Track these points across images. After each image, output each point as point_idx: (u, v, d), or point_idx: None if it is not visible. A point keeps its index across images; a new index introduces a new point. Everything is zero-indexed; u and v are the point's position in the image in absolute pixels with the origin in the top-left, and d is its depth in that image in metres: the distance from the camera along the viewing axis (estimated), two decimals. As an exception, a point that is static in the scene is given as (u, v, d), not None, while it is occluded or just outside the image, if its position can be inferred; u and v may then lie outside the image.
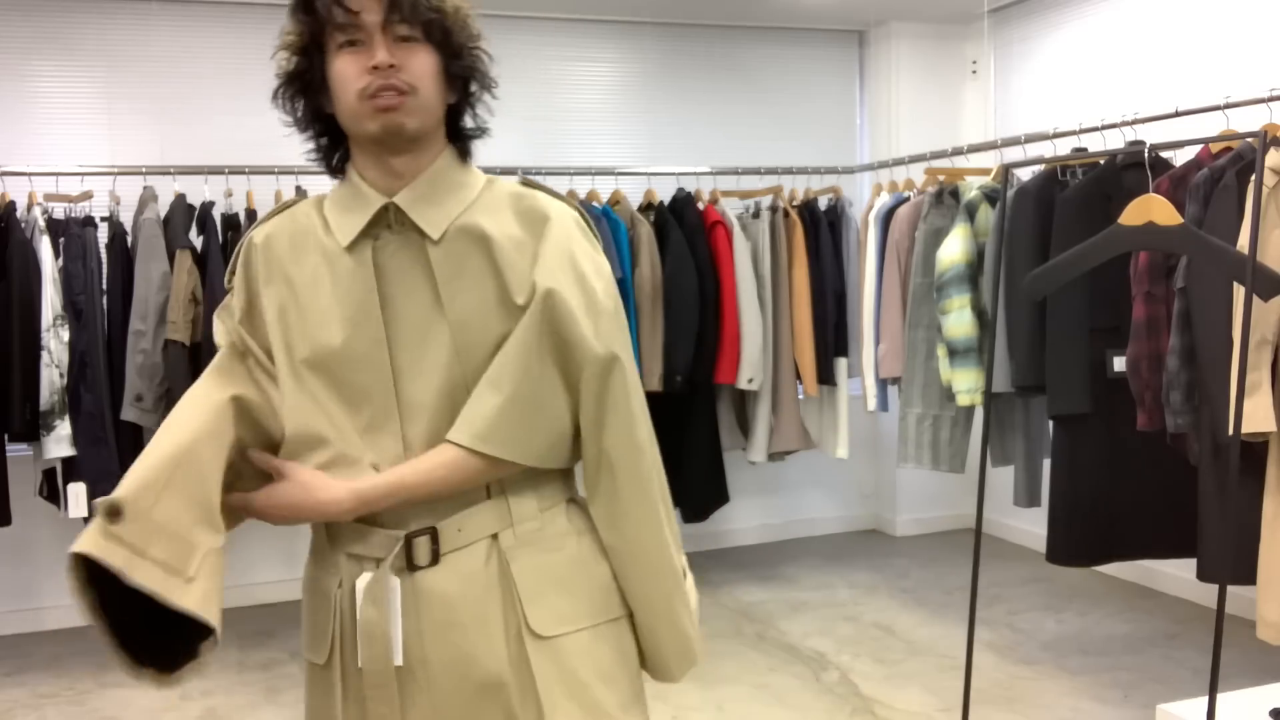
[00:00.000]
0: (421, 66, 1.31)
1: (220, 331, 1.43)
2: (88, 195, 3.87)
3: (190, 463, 1.29)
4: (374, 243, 1.36)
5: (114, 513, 1.22)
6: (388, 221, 1.37)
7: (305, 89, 1.37)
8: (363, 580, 1.34)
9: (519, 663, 1.34)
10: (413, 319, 1.34)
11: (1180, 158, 3.29)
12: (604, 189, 4.48)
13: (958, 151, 4.20)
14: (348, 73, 1.30)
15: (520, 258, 1.34)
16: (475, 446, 1.30)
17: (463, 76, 1.37)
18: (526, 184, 1.44)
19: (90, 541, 1.21)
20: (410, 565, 1.34)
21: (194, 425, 1.33)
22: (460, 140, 1.42)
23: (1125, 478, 3.24)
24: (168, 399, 3.77)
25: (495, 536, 1.35)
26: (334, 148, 1.42)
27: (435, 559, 1.34)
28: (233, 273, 1.44)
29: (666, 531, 1.40)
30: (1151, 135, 3.63)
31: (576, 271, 1.35)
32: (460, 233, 1.35)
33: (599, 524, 1.39)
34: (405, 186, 1.36)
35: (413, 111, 1.31)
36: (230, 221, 3.93)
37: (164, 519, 1.25)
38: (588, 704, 1.35)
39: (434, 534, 1.34)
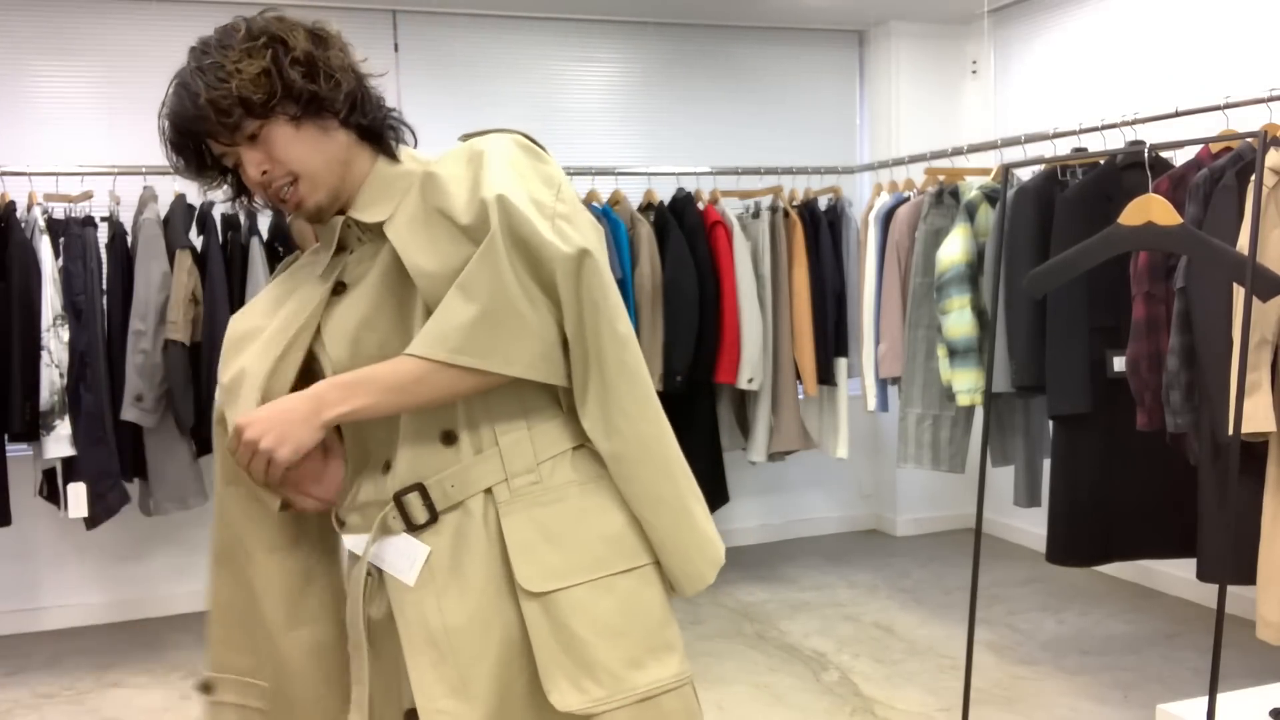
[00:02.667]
0: (286, 150, 1.31)
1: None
2: (88, 195, 3.87)
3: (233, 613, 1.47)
4: (347, 259, 1.40)
5: (206, 689, 1.47)
6: (359, 234, 1.40)
7: (200, 167, 1.41)
8: (368, 539, 1.37)
9: (519, 617, 1.34)
10: (389, 304, 1.36)
11: (1180, 158, 3.29)
12: (604, 189, 4.48)
13: (958, 151, 4.20)
14: (251, 185, 1.35)
15: (462, 187, 1.32)
16: (451, 360, 1.25)
17: (320, 109, 1.32)
18: (465, 138, 1.43)
19: (205, 714, 1.49)
20: (410, 526, 1.34)
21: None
22: (373, 140, 1.39)
23: (1125, 478, 3.24)
24: (168, 399, 3.77)
25: (489, 491, 1.34)
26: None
27: (433, 516, 1.34)
28: None
29: (666, 424, 1.38)
30: (1151, 135, 3.63)
31: (523, 180, 1.31)
32: (407, 203, 1.36)
33: (595, 433, 1.33)
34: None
35: (312, 190, 1.34)
36: (230, 221, 3.93)
37: (243, 669, 1.48)
38: (585, 662, 1.31)
39: (423, 490, 1.33)
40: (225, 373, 1.42)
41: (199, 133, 1.31)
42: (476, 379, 1.28)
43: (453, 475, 1.33)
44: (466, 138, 1.41)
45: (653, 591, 1.37)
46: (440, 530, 1.34)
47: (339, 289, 1.39)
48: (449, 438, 1.34)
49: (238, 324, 1.47)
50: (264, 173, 1.31)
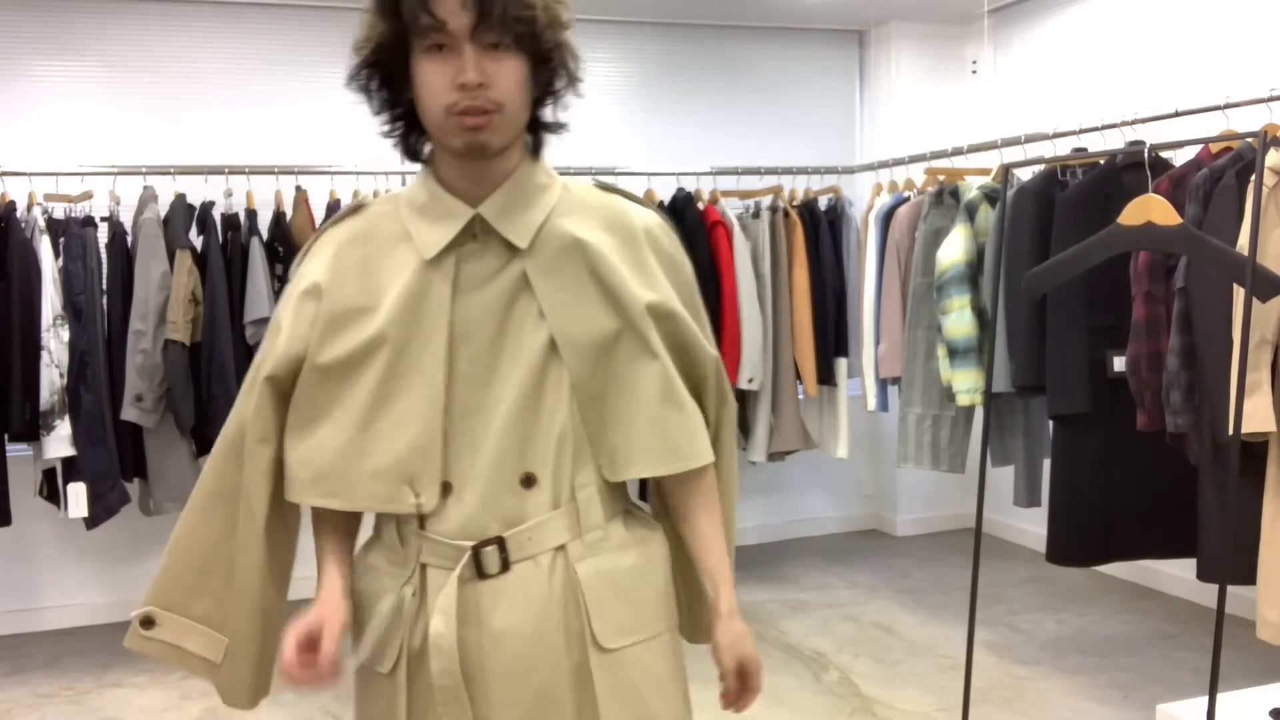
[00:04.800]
0: (509, 80, 1.25)
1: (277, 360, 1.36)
2: (88, 195, 3.87)
3: (221, 558, 1.41)
4: (458, 252, 1.33)
5: (146, 623, 1.41)
6: (473, 231, 1.33)
7: (385, 81, 1.31)
8: (443, 594, 1.31)
9: (579, 675, 1.34)
10: (489, 326, 1.32)
11: (1180, 158, 3.28)
12: (604, 189, 4.48)
13: (958, 151, 4.20)
14: (434, 83, 1.24)
15: (621, 266, 1.34)
16: (707, 462, 1.40)
17: (548, 78, 1.32)
18: (603, 187, 1.42)
19: (131, 642, 1.42)
20: (480, 574, 1.32)
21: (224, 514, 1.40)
22: (537, 136, 1.37)
23: (1125, 478, 3.24)
24: (167, 399, 3.77)
25: (563, 547, 1.34)
26: (410, 134, 1.35)
27: (505, 567, 1.32)
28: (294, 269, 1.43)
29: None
30: (1151, 135, 3.62)
31: (680, 282, 1.41)
32: (551, 238, 1.33)
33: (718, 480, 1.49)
34: (488, 193, 1.32)
35: (499, 129, 1.26)
36: (230, 221, 3.93)
37: (198, 615, 1.42)
38: (644, 717, 1.36)
39: (501, 544, 1.32)
40: (334, 349, 1.32)
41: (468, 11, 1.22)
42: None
43: (530, 530, 1.32)
44: (601, 185, 1.43)
45: (680, 649, 1.47)
46: (506, 579, 1.33)
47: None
48: (529, 480, 1.33)
49: (336, 301, 1.34)
50: (480, 85, 1.22)
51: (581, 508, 1.35)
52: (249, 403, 1.37)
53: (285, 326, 1.36)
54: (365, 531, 1.45)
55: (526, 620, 1.31)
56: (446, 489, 1.32)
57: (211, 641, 1.41)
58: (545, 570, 1.33)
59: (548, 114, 1.36)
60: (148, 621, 1.40)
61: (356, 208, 1.41)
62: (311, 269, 1.37)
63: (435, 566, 1.33)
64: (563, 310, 1.32)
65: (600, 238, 1.35)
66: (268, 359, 1.36)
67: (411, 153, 1.36)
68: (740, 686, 1.41)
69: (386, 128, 1.36)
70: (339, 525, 1.41)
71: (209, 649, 1.41)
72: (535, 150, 1.37)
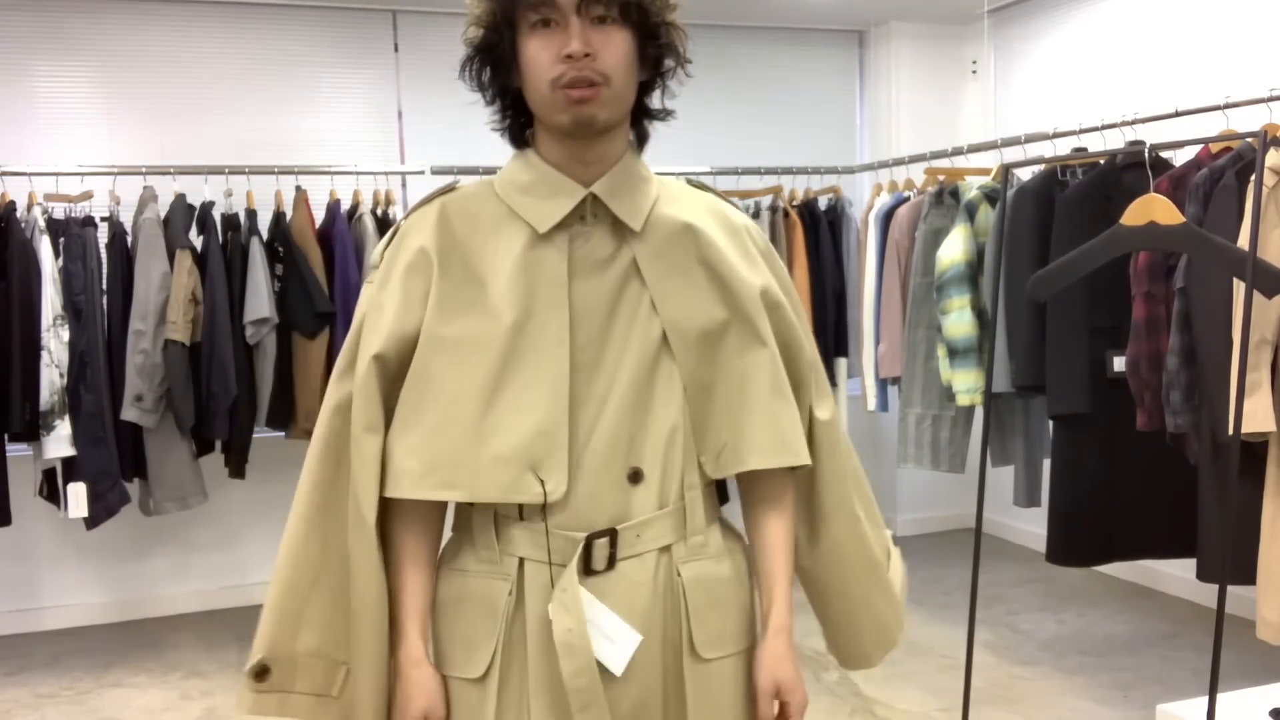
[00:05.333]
0: (617, 53, 1.22)
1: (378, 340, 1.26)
2: (88, 195, 3.87)
3: (324, 578, 1.30)
4: (569, 231, 1.28)
5: (261, 673, 1.30)
6: (582, 212, 1.29)
7: (494, 64, 1.28)
8: (558, 588, 1.24)
9: (671, 684, 1.29)
10: (601, 312, 1.28)
11: (1180, 158, 3.28)
12: (604, 189, 4.48)
13: (958, 151, 4.20)
14: (540, 58, 1.21)
15: (730, 256, 1.32)
16: (807, 460, 1.34)
17: (657, 57, 1.30)
18: (696, 185, 1.42)
19: (243, 700, 1.31)
20: (586, 569, 1.25)
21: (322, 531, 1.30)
22: (641, 124, 1.35)
23: (1125, 478, 3.24)
24: (167, 399, 3.77)
25: (668, 548, 1.29)
26: (518, 122, 1.33)
27: (611, 564, 1.26)
28: (380, 256, 1.32)
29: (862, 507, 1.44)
30: (1151, 135, 3.62)
31: (781, 277, 1.38)
32: (660, 224, 1.30)
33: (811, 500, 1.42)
34: (596, 175, 1.28)
35: (605, 103, 1.23)
36: (230, 221, 3.93)
37: (305, 650, 1.31)
38: None
39: (613, 537, 1.26)
40: (449, 325, 1.25)
41: None
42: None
43: (639, 526, 1.27)
44: (694, 183, 1.42)
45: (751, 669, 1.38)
46: (611, 577, 1.27)
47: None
48: (636, 476, 1.27)
49: (448, 276, 1.28)
50: (587, 55, 1.19)
51: (689, 509, 1.30)
52: (346, 389, 1.28)
53: (394, 303, 1.26)
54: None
55: (632, 621, 1.26)
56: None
57: (323, 672, 1.31)
58: (650, 570, 1.27)
59: (654, 100, 1.34)
60: (262, 670, 1.30)
61: (445, 190, 1.35)
62: (415, 243, 1.28)
63: (534, 561, 1.26)
64: (673, 297, 1.28)
65: (709, 224, 1.33)
66: (373, 337, 1.26)
67: (519, 141, 1.33)
68: (776, 713, 1.33)
69: (497, 117, 1.33)
70: (426, 530, 1.30)
71: (321, 682, 1.31)
72: (641, 142, 1.36)
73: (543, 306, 1.25)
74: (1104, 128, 3.50)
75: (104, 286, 3.80)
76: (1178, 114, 3.27)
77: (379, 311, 1.27)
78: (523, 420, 1.22)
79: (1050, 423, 3.51)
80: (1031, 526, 4.96)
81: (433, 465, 1.22)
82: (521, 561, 1.26)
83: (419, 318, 1.26)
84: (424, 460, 1.22)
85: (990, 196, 3.76)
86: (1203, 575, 2.96)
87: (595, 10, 1.20)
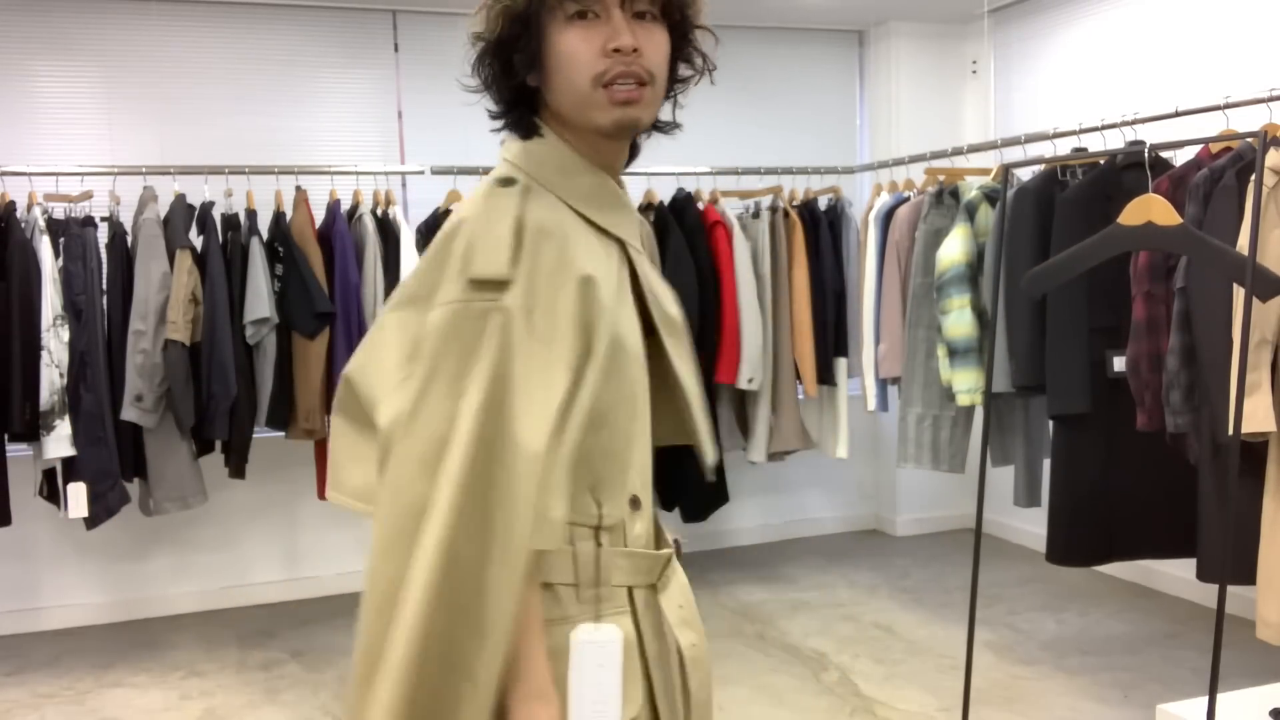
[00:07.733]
0: (659, 52, 1.16)
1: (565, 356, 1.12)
2: (88, 195, 3.87)
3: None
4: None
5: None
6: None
7: (514, 59, 1.18)
8: (676, 602, 1.23)
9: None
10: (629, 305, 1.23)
11: (1180, 158, 3.28)
12: (604, 189, 4.48)
13: (958, 151, 4.20)
14: (579, 53, 1.12)
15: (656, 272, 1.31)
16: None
17: (688, 61, 1.24)
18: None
19: None
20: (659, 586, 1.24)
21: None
22: (653, 129, 1.26)
23: (1125, 478, 3.24)
24: (167, 399, 3.77)
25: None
26: (523, 121, 1.22)
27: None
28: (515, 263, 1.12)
29: None
30: (1151, 135, 3.62)
31: None
32: (645, 241, 1.31)
33: None
34: (616, 180, 1.24)
35: (649, 104, 1.16)
36: (230, 221, 3.93)
37: None
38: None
39: (678, 549, 1.27)
40: (602, 325, 1.15)
41: None
42: None
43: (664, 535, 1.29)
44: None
45: None
46: (671, 591, 1.27)
47: None
48: (635, 503, 1.21)
49: (584, 266, 1.14)
50: (636, 50, 1.12)
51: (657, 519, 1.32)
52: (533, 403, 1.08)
53: (570, 316, 1.11)
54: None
55: (698, 615, 1.28)
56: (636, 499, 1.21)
57: None
58: (686, 581, 1.28)
59: (665, 111, 1.27)
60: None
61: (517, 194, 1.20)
62: (570, 255, 1.14)
63: (624, 585, 1.19)
64: (672, 306, 1.29)
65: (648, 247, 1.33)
66: (565, 346, 1.11)
67: (529, 132, 1.23)
68: None
69: (501, 107, 1.23)
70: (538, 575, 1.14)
71: None
72: (632, 154, 1.28)
73: (633, 323, 1.20)
74: (1104, 128, 3.50)
75: (104, 286, 3.80)
76: (1178, 114, 3.28)
77: (552, 316, 1.11)
78: (645, 434, 1.21)
79: (1050, 423, 3.51)
80: (1031, 526, 4.96)
81: (596, 484, 1.18)
82: (637, 589, 1.22)
83: (592, 331, 1.14)
84: (589, 478, 1.17)
85: (990, 196, 3.77)
86: (1203, 575, 2.96)
87: (639, 4, 1.14)
